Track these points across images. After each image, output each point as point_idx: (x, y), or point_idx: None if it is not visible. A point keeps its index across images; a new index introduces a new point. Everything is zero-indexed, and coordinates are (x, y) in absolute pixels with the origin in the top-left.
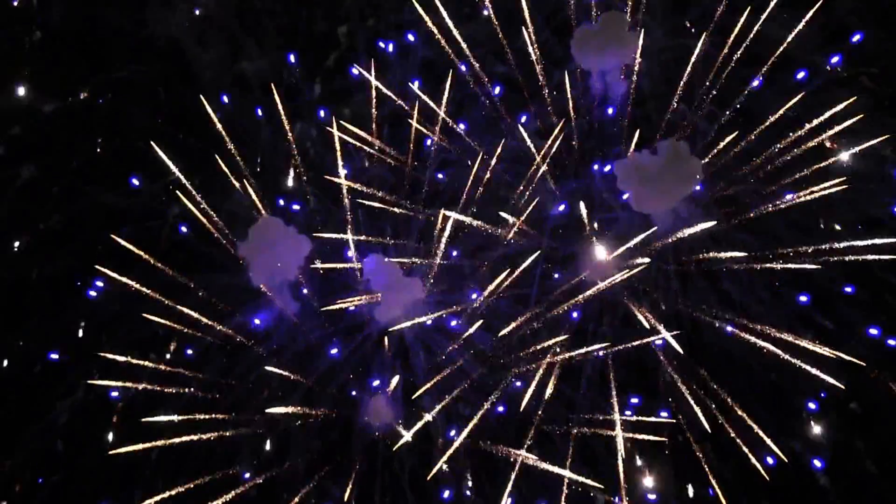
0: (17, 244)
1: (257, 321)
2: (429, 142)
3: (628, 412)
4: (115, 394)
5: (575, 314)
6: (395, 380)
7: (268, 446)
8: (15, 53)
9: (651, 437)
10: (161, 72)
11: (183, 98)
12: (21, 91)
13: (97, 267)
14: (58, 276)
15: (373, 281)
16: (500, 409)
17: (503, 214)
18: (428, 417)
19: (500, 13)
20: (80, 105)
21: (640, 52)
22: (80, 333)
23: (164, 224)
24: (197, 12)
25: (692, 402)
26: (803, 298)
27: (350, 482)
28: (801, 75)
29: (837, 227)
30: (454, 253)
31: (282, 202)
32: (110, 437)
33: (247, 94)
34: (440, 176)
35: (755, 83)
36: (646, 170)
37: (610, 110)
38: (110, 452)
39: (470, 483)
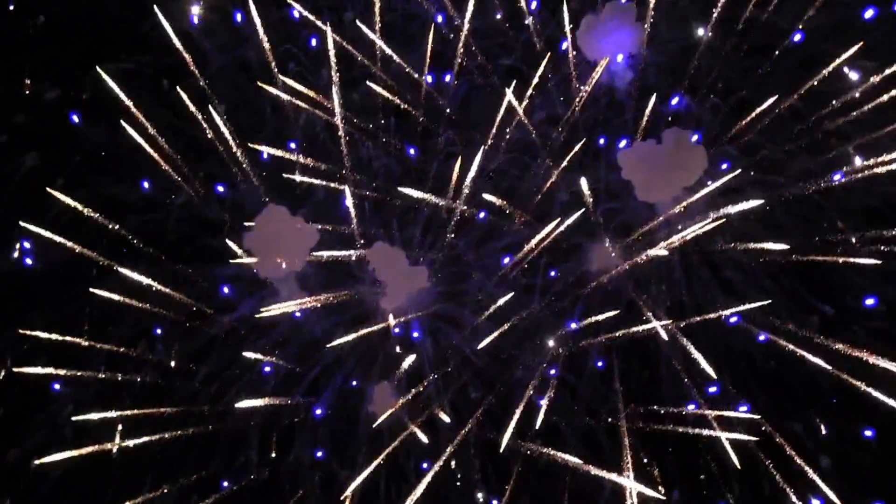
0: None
1: (226, 289)
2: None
3: (690, 406)
4: (56, 387)
5: (578, 304)
6: (411, 359)
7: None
8: (18, 41)
9: (741, 437)
10: (165, 63)
11: (188, 89)
12: (24, 79)
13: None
14: (62, 267)
15: (378, 270)
16: (541, 401)
17: (493, 199)
18: (444, 417)
19: (505, 5)
20: (83, 95)
21: (646, 43)
22: (86, 326)
23: (168, 216)
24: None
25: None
26: (870, 301)
27: (355, 472)
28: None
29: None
30: (482, 212)
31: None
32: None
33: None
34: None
35: (797, 38)
36: (651, 159)
37: (615, 100)
38: (36, 462)
39: (477, 473)
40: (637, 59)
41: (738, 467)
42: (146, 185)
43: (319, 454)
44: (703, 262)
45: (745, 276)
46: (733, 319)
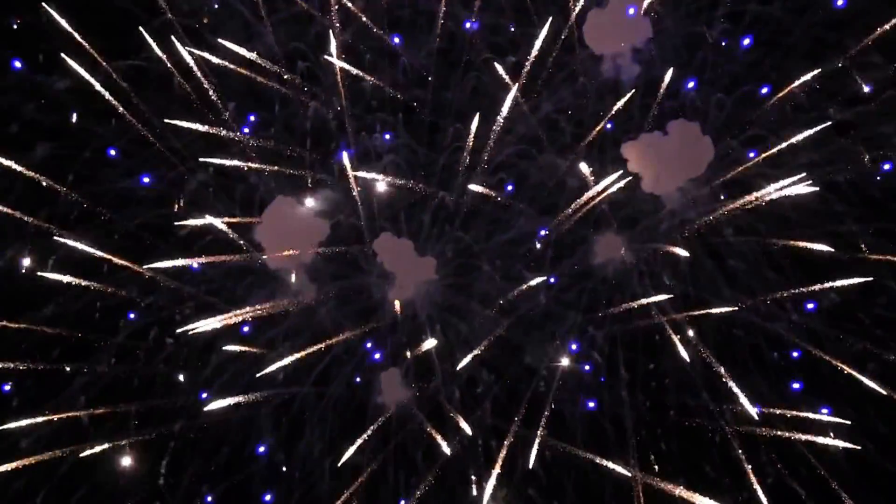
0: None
1: (194, 264)
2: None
3: (750, 411)
4: (7, 387)
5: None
6: (432, 342)
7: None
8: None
9: (842, 444)
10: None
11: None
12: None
13: None
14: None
15: (385, 260)
16: (591, 404)
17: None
18: (467, 429)
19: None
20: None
21: (653, 36)
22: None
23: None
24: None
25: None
26: None
27: (365, 461)
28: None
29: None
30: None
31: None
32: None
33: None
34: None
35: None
36: (656, 151)
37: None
38: None
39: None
40: (643, 52)
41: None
42: (156, 179)
43: (268, 498)
44: (708, 252)
45: (749, 266)
46: (810, 306)
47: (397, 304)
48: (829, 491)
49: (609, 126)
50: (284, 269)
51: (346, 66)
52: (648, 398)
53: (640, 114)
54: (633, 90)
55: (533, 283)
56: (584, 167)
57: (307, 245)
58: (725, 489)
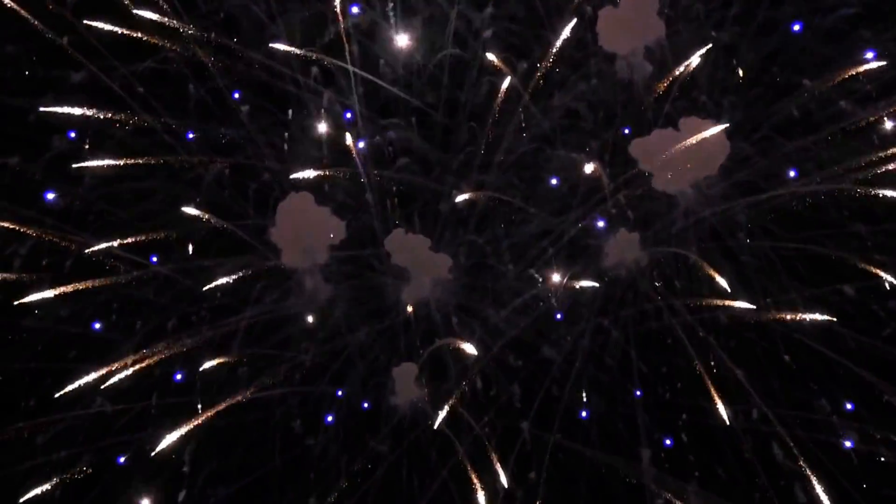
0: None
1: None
2: None
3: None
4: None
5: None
6: (466, 346)
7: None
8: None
9: None
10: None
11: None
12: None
13: None
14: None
15: (398, 257)
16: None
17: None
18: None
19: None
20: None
21: (665, 35)
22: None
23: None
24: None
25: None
26: None
27: (378, 460)
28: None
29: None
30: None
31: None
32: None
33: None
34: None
35: None
36: (669, 148)
37: (634, 90)
38: None
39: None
40: (655, 51)
41: None
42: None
43: None
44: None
45: (761, 265)
46: None
47: (409, 307)
48: (841, 489)
49: (622, 126)
50: (300, 269)
51: (361, 73)
52: (662, 398)
53: (653, 113)
54: (646, 89)
55: (583, 284)
56: (598, 167)
57: (322, 244)
58: (739, 490)
